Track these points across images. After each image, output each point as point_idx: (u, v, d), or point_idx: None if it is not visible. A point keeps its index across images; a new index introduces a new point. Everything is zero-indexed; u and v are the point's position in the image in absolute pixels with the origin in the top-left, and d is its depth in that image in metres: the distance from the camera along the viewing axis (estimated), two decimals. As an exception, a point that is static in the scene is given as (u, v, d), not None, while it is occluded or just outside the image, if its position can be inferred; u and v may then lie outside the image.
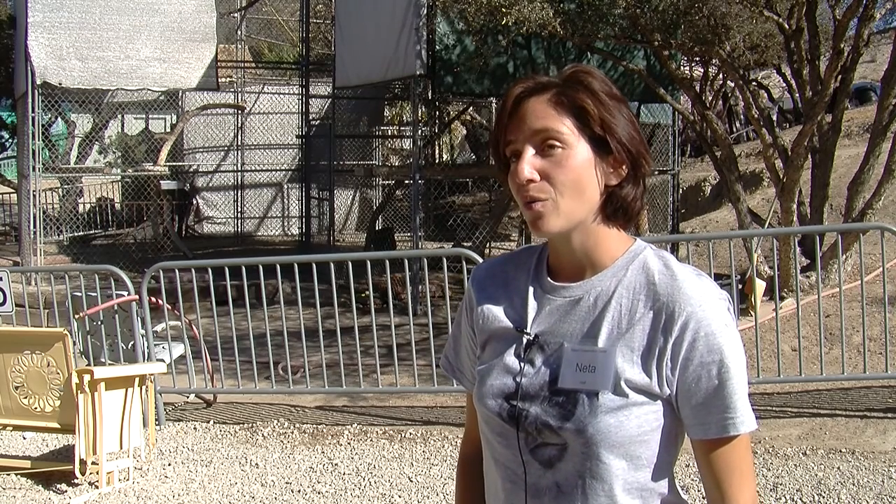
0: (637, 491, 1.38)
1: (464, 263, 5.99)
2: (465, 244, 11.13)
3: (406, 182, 12.68)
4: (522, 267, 1.50)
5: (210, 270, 6.47)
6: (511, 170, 1.37)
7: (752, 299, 6.99)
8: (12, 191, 15.66)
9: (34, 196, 12.07)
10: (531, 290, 1.46)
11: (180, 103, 15.96)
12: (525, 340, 1.43)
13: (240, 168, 16.52)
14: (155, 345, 6.15)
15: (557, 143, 1.34)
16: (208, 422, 6.15)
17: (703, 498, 4.52)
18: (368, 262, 6.36)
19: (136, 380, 5.03)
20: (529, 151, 1.35)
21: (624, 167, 1.38)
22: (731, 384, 1.33)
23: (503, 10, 7.70)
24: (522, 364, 1.42)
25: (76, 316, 6.22)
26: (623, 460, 1.36)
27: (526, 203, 1.36)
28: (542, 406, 1.38)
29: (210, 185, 16.84)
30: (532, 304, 1.45)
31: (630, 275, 1.39)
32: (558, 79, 1.38)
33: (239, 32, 16.49)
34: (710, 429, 1.35)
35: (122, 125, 17.05)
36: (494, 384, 1.44)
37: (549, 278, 1.45)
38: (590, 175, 1.36)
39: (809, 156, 8.33)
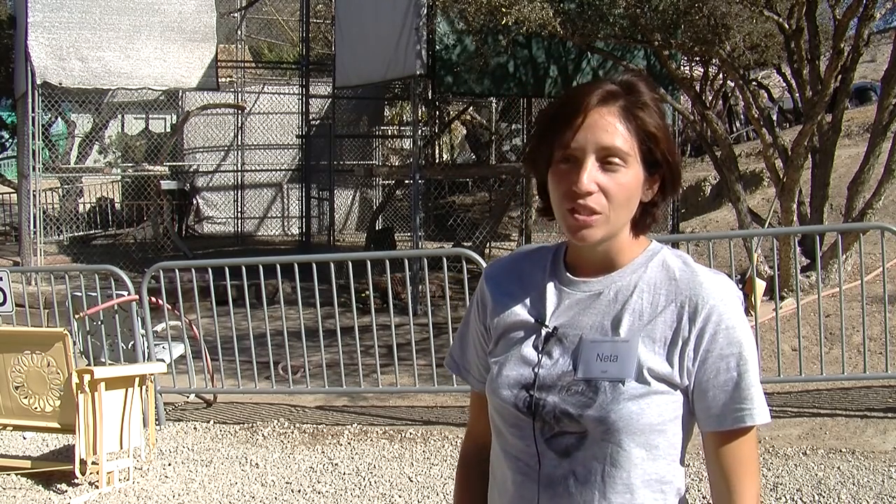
0: (657, 483, 1.41)
1: (464, 263, 5.99)
2: (465, 244, 11.13)
3: (406, 182, 12.68)
4: (538, 264, 1.53)
5: (210, 270, 6.47)
6: (561, 171, 1.39)
7: (752, 299, 6.98)
8: (12, 191, 15.65)
9: (34, 196, 12.06)
10: (549, 284, 1.49)
11: (180, 103, 15.95)
12: (544, 333, 1.46)
13: (240, 168, 16.51)
14: (155, 345, 6.15)
15: (620, 162, 1.37)
16: (208, 422, 6.15)
17: (704, 498, 4.53)
18: (368, 262, 6.35)
19: (136, 380, 5.03)
20: (593, 164, 1.37)
21: (657, 185, 1.44)
22: (748, 377, 1.39)
23: (503, 9, 7.70)
24: (540, 355, 1.45)
25: (76, 316, 6.22)
26: (643, 449, 1.38)
27: (572, 211, 1.37)
28: (560, 395, 1.40)
29: (210, 185, 16.83)
30: (551, 298, 1.48)
31: (650, 271, 1.44)
32: (620, 87, 1.40)
33: (239, 32, 16.48)
34: (725, 420, 1.39)
35: (122, 125, 17.04)
36: (510, 374, 1.46)
37: (567, 273, 1.49)
38: (637, 192, 1.41)
39: (809, 156, 8.33)
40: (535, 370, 1.43)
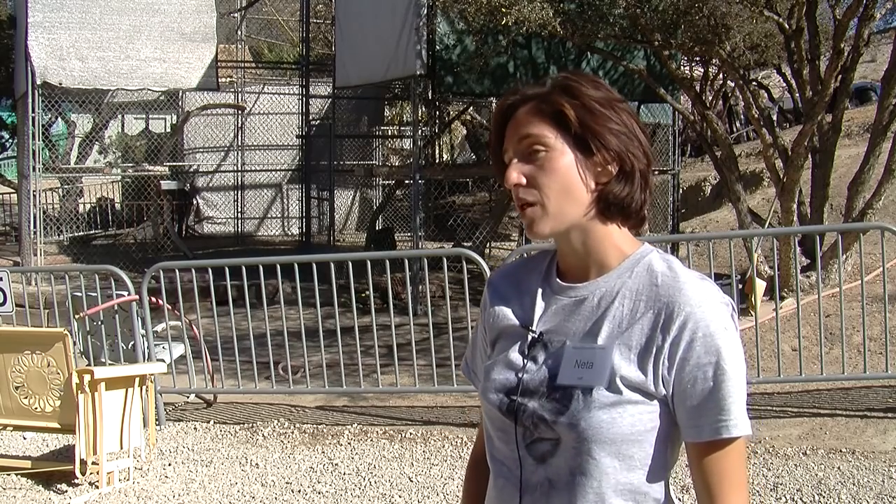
0: (630, 493, 1.38)
1: (464, 263, 5.98)
2: (465, 244, 11.13)
3: (406, 182, 12.68)
4: (535, 269, 1.54)
5: (210, 270, 6.48)
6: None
7: (753, 299, 6.99)
8: (12, 191, 15.65)
9: (34, 196, 12.07)
10: (540, 290, 1.49)
11: (180, 103, 15.96)
12: (530, 338, 1.46)
13: (240, 168, 16.52)
14: (155, 345, 6.15)
15: (540, 148, 1.39)
16: (208, 422, 6.15)
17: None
18: (368, 262, 6.35)
19: (137, 380, 5.03)
20: (517, 158, 1.41)
21: (611, 165, 1.40)
22: (726, 387, 1.33)
23: (503, 10, 7.70)
24: (525, 361, 1.45)
25: (76, 316, 6.22)
26: (615, 459, 1.36)
27: (520, 207, 1.41)
28: (539, 401, 1.40)
29: (210, 185, 16.83)
30: (539, 304, 1.48)
31: (634, 276, 1.41)
32: (546, 87, 1.42)
33: (239, 32, 16.48)
34: (702, 431, 1.35)
35: (122, 125, 17.05)
36: (497, 379, 1.47)
37: (557, 279, 1.48)
38: (574, 176, 1.39)
39: (809, 156, 8.33)
40: (520, 375, 1.44)
